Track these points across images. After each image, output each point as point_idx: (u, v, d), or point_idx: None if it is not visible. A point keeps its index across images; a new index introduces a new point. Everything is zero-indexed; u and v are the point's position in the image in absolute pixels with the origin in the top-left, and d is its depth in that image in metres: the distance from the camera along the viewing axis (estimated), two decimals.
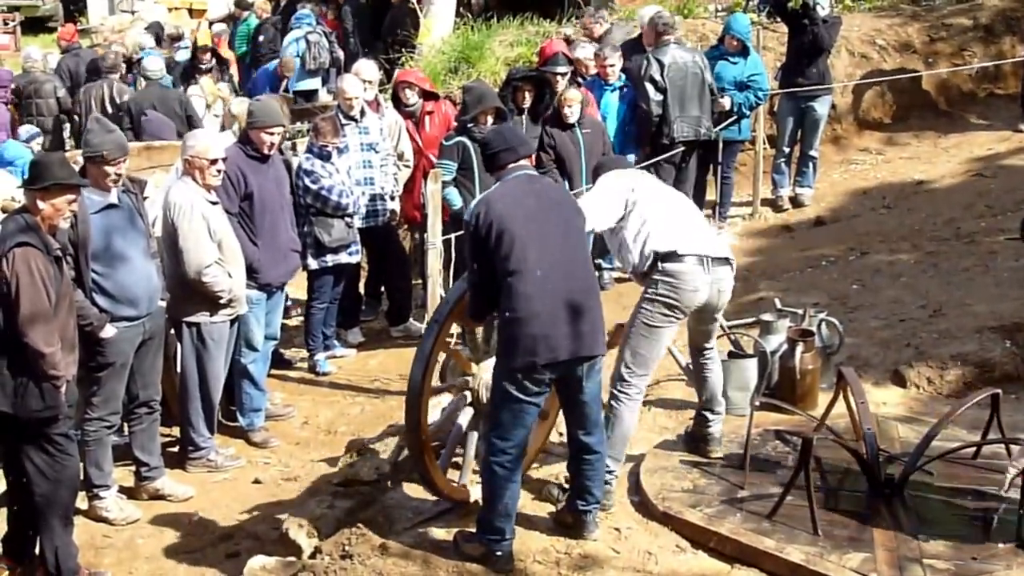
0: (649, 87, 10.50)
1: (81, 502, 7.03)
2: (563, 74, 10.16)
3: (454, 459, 6.09)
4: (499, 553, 5.30)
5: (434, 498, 6.05)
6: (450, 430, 5.99)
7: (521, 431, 5.30)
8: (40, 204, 5.99)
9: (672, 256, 5.77)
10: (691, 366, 6.47)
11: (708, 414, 6.33)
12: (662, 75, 10.49)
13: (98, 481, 7.15)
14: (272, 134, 8.14)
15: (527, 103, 9.78)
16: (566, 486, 5.79)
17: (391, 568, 5.31)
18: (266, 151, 8.13)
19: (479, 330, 5.87)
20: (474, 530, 5.46)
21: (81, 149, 7.07)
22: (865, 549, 5.29)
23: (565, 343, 5.16)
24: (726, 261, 5.99)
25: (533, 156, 5.81)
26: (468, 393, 5.88)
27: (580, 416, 5.44)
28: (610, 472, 5.83)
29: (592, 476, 5.49)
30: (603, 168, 6.42)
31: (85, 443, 7.02)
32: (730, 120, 11.19)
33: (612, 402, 5.87)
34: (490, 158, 5.58)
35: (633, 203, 5.94)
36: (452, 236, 8.79)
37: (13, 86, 14.72)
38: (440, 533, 5.69)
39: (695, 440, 6.41)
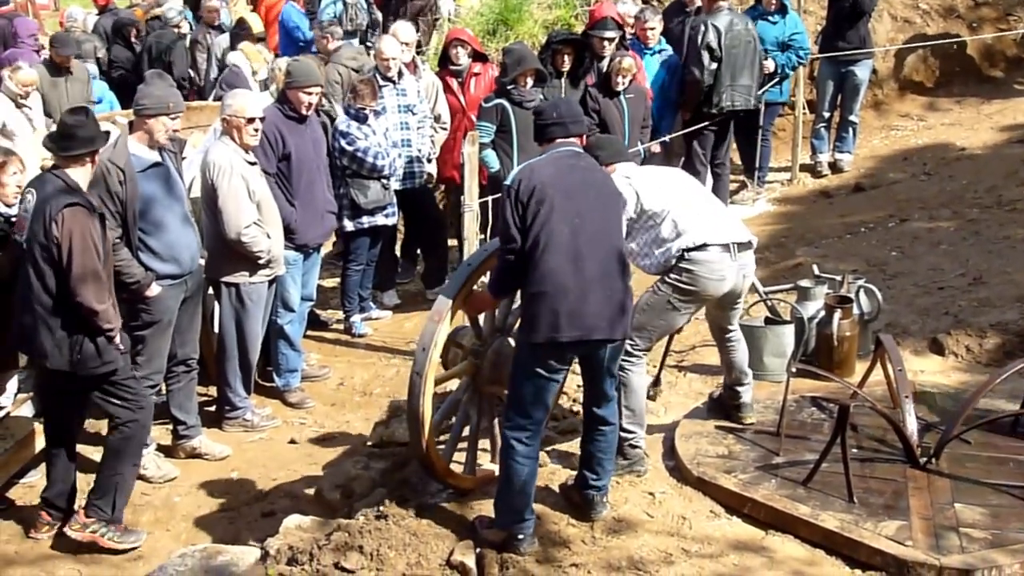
0: (705, 54, 10.39)
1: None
2: (611, 39, 10.05)
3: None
4: (521, 536, 5.21)
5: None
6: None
7: (541, 408, 5.24)
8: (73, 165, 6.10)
9: (700, 247, 5.72)
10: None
11: (739, 388, 6.29)
12: (719, 43, 10.39)
13: None
14: (310, 94, 8.14)
15: (566, 66, 9.72)
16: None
17: (425, 528, 5.33)
18: (304, 111, 8.14)
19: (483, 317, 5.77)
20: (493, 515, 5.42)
21: (135, 104, 7.04)
22: (901, 517, 5.27)
23: (591, 323, 5.08)
24: (749, 244, 5.92)
25: (583, 137, 5.66)
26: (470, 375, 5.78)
27: (597, 392, 5.39)
28: (636, 436, 5.85)
29: (605, 448, 5.45)
30: (597, 149, 5.97)
31: None
32: (772, 83, 11.09)
33: (619, 373, 5.78)
34: (540, 129, 5.46)
35: (632, 210, 5.78)
36: (489, 199, 8.78)
37: (37, 37, 14.64)
38: (475, 494, 5.70)
39: (725, 408, 6.39)
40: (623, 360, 5.75)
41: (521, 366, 5.20)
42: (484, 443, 6.02)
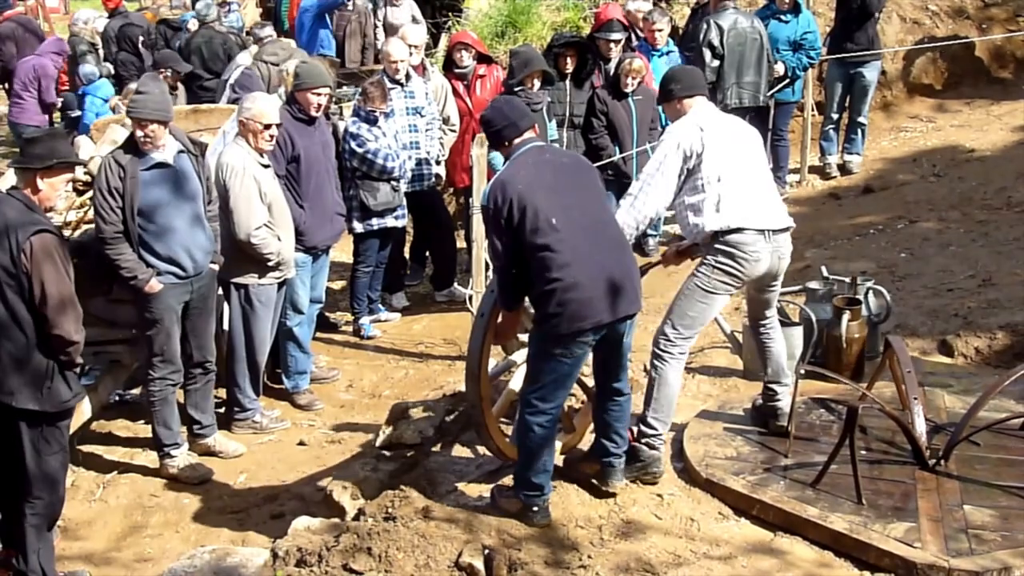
0: (707, 52, 10.41)
1: (152, 463, 7.33)
2: (616, 41, 10.07)
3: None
4: (535, 508, 5.35)
5: (477, 461, 6.09)
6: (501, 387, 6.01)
7: (562, 393, 5.34)
8: (40, 184, 5.68)
9: (735, 230, 5.71)
10: (751, 337, 6.40)
11: (776, 387, 6.20)
12: (721, 41, 10.40)
13: (168, 440, 7.24)
14: (319, 95, 8.14)
15: (570, 69, 9.73)
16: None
17: (434, 530, 5.33)
18: (313, 113, 8.15)
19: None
20: (511, 484, 5.52)
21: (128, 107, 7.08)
22: (910, 519, 5.26)
23: (608, 305, 5.15)
24: (785, 229, 5.91)
25: (536, 127, 5.67)
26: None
27: (614, 367, 5.47)
28: (657, 435, 5.81)
29: (620, 416, 5.54)
30: (673, 82, 6.03)
31: (151, 404, 7.17)
32: (783, 84, 11.08)
33: (655, 361, 5.82)
34: (494, 136, 5.45)
35: (695, 166, 5.75)
36: None
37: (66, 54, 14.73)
38: (484, 496, 5.69)
39: (763, 415, 6.30)
40: (663, 350, 5.79)
41: (542, 355, 5.25)
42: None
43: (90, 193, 8.04)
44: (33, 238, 5.48)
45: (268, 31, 12.72)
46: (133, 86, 9.55)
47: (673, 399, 5.90)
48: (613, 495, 5.59)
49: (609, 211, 5.52)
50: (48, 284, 5.50)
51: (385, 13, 14.29)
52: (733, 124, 6.09)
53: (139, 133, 6.81)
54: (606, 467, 5.58)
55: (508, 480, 5.64)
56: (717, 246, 5.73)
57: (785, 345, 6.31)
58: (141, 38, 14.19)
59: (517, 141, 5.40)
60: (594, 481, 5.66)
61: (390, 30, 13.99)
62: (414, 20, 13.57)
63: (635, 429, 5.81)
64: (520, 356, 5.88)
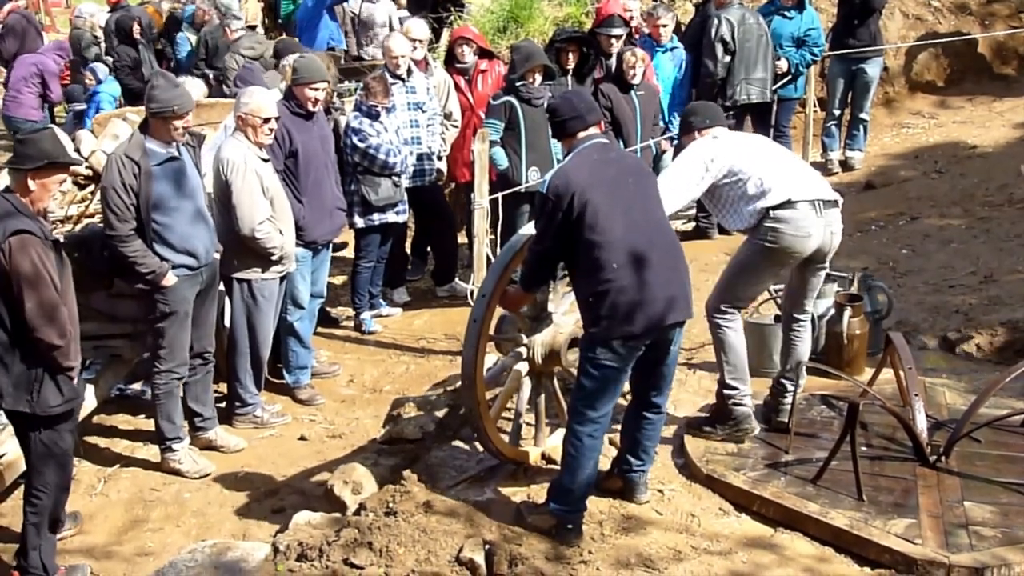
0: (719, 48, 10.41)
1: (153, 456, 7.28)
2: (618, 36, 10.07)
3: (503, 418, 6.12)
4: (570, 526, 5.25)
5: (477, 456, 6.09)
6: (500, 386, 6.00)
7: (612, 400, 5.25)
8: (31, 184, 5.54)
9: (785, 204, 5.71)
10: (780, 329, 6.40)
11: (787, 383, 6.18)
12: (732, 36, 10.40)
13: (170, 434, 7.22)
14: (316, 90, 8.12)
15: (571, 64, 9.73)
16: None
17: (435, 525, 5.34)
18: (311, 108, 8.12)
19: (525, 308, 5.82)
20: (539, 501, 5.45)
21: (145, 104, 7.05)
22: (910, 515, 5.26)
23: (661, 309, 5.07)
24: (835, 203, 5.94)
25: (601, 123, 5.63)
26: (523, 357, 5.82)
27: (657, 377, 5.38)
28: (740, 393, 5.94)
29: (652, 434, 5.49)
30: (692, 114, 6.22)
31: (156, 396, 7.14)
32: (786, 80, 11.07)
33: (714, 330, 5.91)
34: (558, 126, 5.41)
35: (719, 169, 5.82)
36: (499, 196, 8.78)
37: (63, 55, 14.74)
38: (484, 491, 5.72)
39: (768, 409, 6.29)
40: (716, 318, 5.87)
41: (594, 362, 5.15)
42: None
43: (91, 187, 8.05)
44: (12, 239, 5.36)
45: (241, 23, 12.72)
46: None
47: (742, 357, 5.97)
48: (615, 492, 5.61)
49: (665, 215, 5.42)
50: (26, 287, 5.39)
51: (361, 8, 14.19)
52: (743, 133, 6.45)
53: (177, 124, 6.79)
54: (629, 482, 5.55)
55: (524, 491, 5.62)
56: (767, 224, 5.74)
57: (810, 346, 6.30)
58: (137, 28, 14.16)
59: (582, 135, 5.36)
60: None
61: (363, 26, 13.96)
62: (390, 20, 13.53)
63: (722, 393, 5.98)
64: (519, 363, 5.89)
